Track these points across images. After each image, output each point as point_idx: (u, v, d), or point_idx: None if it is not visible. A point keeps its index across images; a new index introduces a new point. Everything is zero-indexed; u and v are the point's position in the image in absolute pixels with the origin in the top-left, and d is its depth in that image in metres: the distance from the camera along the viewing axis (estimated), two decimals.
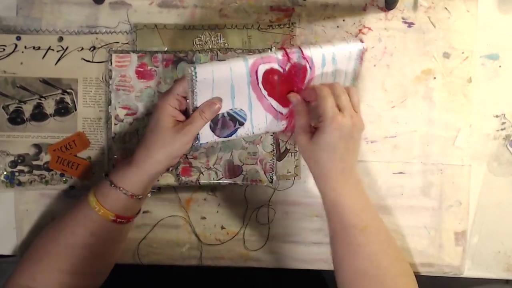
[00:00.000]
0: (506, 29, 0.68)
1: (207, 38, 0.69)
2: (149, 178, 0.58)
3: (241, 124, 0.59)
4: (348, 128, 0.54)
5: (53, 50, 0.69)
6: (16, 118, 0.69)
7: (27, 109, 0.69)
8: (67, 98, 0.69)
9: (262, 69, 0.56)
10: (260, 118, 0.59)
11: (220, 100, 0.57)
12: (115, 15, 0.69)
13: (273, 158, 0.67)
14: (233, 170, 0.67)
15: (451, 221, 0.68)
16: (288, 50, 0.56)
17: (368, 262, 0.56)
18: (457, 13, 0.68)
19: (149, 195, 0.62)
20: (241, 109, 0.58)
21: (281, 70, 0.57)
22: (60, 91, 0.69)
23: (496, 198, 0.68)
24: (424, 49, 0.68)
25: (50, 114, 0.69)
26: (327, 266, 0.69)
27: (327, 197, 0.56)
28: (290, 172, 0.68)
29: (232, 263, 0.69)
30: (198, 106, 0.57)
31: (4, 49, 0.69)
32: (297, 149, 0.67)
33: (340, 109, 0.54)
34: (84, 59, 0.69)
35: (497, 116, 0.68)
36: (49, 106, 0.69)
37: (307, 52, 0.56)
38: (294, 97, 0.58)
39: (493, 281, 0.85)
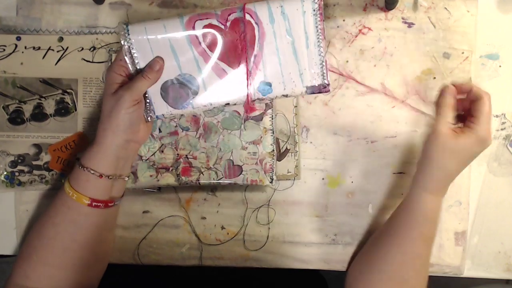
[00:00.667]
0: (506, 29, 0.68)
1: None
2: (111, 153, 0.56)
3: (195, 93, 0.56)
4: (487, 145, 0.55)
5: (53, 50, 0.69)
6: (16, 118, 0.69)
7: (27, 109, 0.69)
8: (67, 98, 0.69)
9: (199, 25, 0.53)
10: (215, 86, 0.55)
11: (161, 59, 0.55)
12: (115, 15, 0.69)
13: (273, 158, 0.67)
14: (233, 170, 0.67)
15: (451, 221, 0.68)
16: (229, 7, 0.53)
17: (414, 272, 0.58)
18: (457, 13, 0.68)
19: (126, 178, 0.61)
20: (190, 75, 0.55)
21: (222, 26, 0.53)
22: (60, 91, 0.69)
23: (496, 198, 0.68)
24: (424, 49, 0.68)
25: (50, 114, 0.69)
26: (327, 266, 0.69)
27: (431, 198, 0.57)
28: (290, 172, 0.68)
29: (232, 263, 0.69)
30: (141, 68, 0.55)
31: (4, 49, 0.69)
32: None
33: None
34: (84, 59, 0.69)
35: (497, 116, 0.68)
36: (49, 106, 0.69)
37: (250, 6, 0.53)
38: (448, 88, 0.55)
39: (493, 281, 0.86)
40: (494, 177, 0.68)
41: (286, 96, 0.56)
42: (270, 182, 0.67)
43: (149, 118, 0.59)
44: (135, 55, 0.54)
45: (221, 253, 0.69)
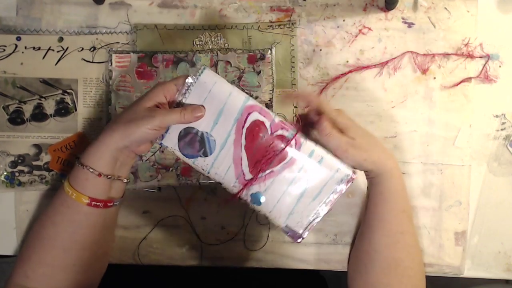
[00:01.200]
0: (506, 29, 0.68)
1: (207, 38, 0.69)
2: (110, 153, 0.56)
3: (205, 154, 0.57)
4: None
5: (53, 50, 0.69)
6: (16, 119, 0.69)
7: (27, 109, 0.69)
8: (67, 99, 0.69)
9: (254, 116, 0.55)
10: (224, 164, 0.57)
11: (205, 110, 0.56)
12: (115, 15, 0.69)
13: None
14: None
15: (451, 221, 0.68)
16: (286, 123, 0.56)
17: (406, 253, 0.58)
18: (457, 13, 0.68)
19: (125, 180, 0.60)
20: (214, 140, 0.57)
21: (269, 131, 0.56)
22: (60, 91, 0.69)
23: (496, 198, 0.68)
24: (424, 49, 0.68)
25: (50, 115, 0.69)
26: (327, 266, 0.69)
27: (386, 177, 0.57)
28: None
29: (232, 263, 0.69)
30: (184, 104, 0.56)
31: (4, 50, 0.69)
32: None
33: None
34: (84, 60, 0.69)
35: (497, 116, 0.68)
36: (49, 106, 0.69)
37: (301, 137, 0.56)
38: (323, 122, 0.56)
39: (493, 281, 0.86)
40: (494, 177, 0.68)
41: (266, 217, 0.58)
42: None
43: (155, 141, 0.59)
44: (189, 92, 0.56)
45: (221, 253, 0.69)
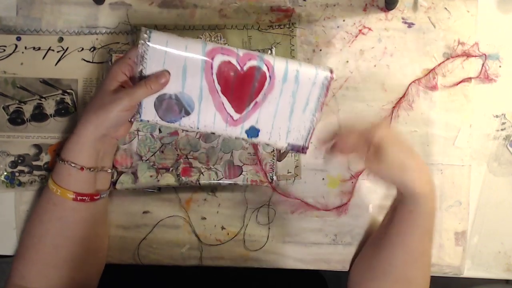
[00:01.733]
0: (506, 29, 0.68)
1: (207, 38, 0.69)
2: (89, 145, 0.56)
3: (187, 113, 0.57)
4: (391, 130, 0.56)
5: (53, 50, 0.69)
6: (16, 119, 0.69)
7: (27, 109, 0.69)
8: (67, 99, 0.69)
9: (218, 59, 0.55)
10: (209, 114, 0.57)
11: (169, 74, 0.55)
12: (115, 15, 0.69)
13: (273, 158, 0.67)
14: (233, 170, 0.67)
15: (451, 221, 0.68)
16: (251, 52, 0.55)
17: (420, 271, 0.58)
18: (457, 13, 0.68)
19: (109, 170, 0.60)
20: (190, 97, 0.56)
21: (239, 68, 0.55)
22: (60, 91, 0.69)
23: (496, 198, 0.68)
24: (424, 49, 0.68)
25: (50, 115, 0.69)
26: (327, 266, 0.69)
27: (420, 201, 0.54)
28: (290, 172, 0.68)
29: (232, 263, 0.69)
30: (146, 75, 0.55)
31: (4, 50, 0.69)
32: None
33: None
34: (84, 60, 0.69)
35: (497, 116, 0.68)
36: (49, 106, 0.69)
37: (270, 59, 0.55)
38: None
39: (493, 281, 0.86)
40: (494, 177, 0.68)
41: (267, 145, 0.59)
42: (270, 183, 0.67)
43: (132, 119, 0.59)
44: (146, 61, 0.54)
45: (221, 253, 0.69)
